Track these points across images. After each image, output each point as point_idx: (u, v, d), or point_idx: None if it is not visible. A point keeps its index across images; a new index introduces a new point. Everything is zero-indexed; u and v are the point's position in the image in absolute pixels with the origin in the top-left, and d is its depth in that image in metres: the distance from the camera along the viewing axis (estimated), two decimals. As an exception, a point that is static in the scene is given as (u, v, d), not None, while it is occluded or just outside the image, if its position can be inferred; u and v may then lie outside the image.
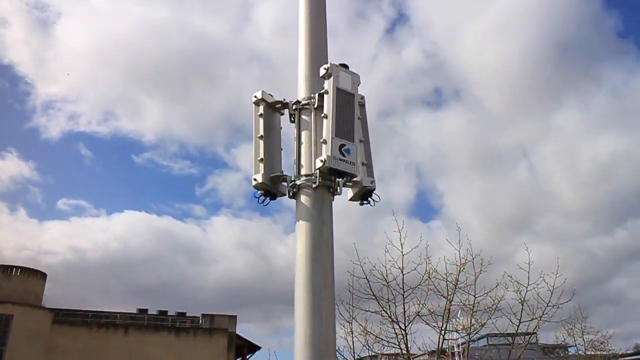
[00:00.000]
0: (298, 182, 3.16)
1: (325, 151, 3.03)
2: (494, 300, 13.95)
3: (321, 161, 3.01)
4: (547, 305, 13.84)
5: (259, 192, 3.29)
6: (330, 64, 3.22)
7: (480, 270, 13.86)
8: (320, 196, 3.13)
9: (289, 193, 3.26)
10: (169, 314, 32.61)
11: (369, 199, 3.33)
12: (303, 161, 3.22)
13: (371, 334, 14.28)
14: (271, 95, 3.52)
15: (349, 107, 3.20)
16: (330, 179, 3.13)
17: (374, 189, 3.29)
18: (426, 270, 13.91)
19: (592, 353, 27.29)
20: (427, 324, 14.08)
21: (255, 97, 3.48)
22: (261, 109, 3.45)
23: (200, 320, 32.52)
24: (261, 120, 3.41)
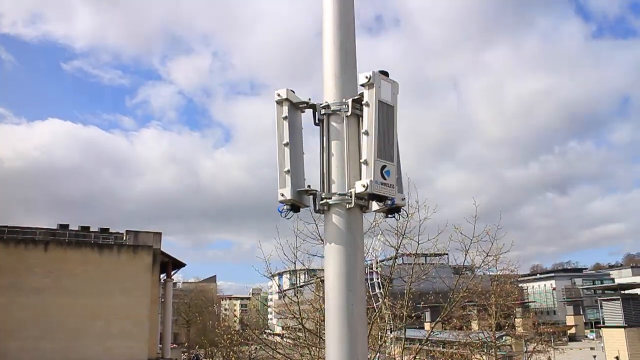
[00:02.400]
0: (330, 202, 2.92)
1: (367, 175, 2.79)
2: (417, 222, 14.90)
3: (363, 186, 2.78)
4: (472, 239, 15.20)
5: (284, 206, 3.02)
6: (372, 72, 2.90)
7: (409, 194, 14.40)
8: (353, 218, 2.92)
9: (315, 207, 3.02)
10: (91, 230, 31.53)
11: (396, 213, 3.15)
12: (334, 176, 2.96)
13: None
14: (293, 92, 3.16)
15: (389, 122, 2.94)
16: (365, 199, 2.92)
17: (404, 206, 3.11)
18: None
19: (501, 273, 29.84)
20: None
21: (279, 95, 3.10)
22: (285, 110, 3.09)
23: (125, 237, 31.80)
24: (286, 124, 3.07)
